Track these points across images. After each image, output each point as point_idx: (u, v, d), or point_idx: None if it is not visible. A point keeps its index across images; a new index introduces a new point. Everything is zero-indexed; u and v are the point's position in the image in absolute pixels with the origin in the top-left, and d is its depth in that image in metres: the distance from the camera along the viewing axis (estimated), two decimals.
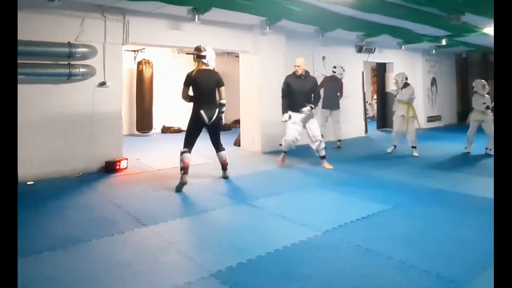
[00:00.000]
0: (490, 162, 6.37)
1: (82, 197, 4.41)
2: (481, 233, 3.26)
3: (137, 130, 9.95)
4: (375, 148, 7.98)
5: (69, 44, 5.35)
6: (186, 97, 4.90)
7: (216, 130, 5.05)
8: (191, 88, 4.87)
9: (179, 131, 10.07)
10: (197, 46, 4.95)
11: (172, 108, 10.10)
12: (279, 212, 3.88)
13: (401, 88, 7.03)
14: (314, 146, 5.85)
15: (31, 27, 5.12)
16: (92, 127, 5.66)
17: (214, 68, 5.12)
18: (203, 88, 4.82)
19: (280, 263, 2.73)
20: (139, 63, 9.96)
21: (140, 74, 9.92)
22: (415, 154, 6.92)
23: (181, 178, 4.68)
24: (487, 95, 7.11)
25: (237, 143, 8.07)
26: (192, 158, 4.90)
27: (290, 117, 5.66)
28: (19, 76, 4.87)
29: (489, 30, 7.74)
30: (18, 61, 4.74)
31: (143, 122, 9.93)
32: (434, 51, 11.00)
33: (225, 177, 5.28)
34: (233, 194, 4.64)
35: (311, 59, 8.49)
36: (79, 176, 5.38)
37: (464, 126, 7.89)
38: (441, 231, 3.36)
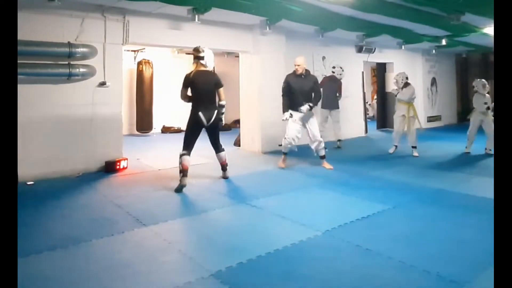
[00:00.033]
0: (490, 162, 6.37)
1: (82, 197, 4.41)
2: (481, 233, 3.26)
3: (137, 130, 9.95)
4: (375, 148, 7.98)
5: (69, 44, 5.35)
6: (185, 97, 4.90)
7: (215, 131, 5.02)
8: (189, 89, 4.87)
9: (179, 131, 10.07)
10: (196, 47, 4.94)
11: (172, 108, 10.10)
12: (279, 212, 3.88)
13: (402, 88, 7.03)
14: (313, 146, 5.84)
15: (31, 27, 5.12)
16: (92, 127, 5.67)
17: (214, 69, 5.11)
18: (201, 89, 4.80)
19: (280, 263, 2.73)
20: (139, 63, 9.97)
21: (140, 74, 9.93)
22: (415, 154, 6.92)
23: (180, 180, 4.66)
24: (487, 95, 7.11)
25: (237, 143, 8.07)
26: (192, 158, 4.89)
27: (291, 115, 5.65)
28: (19, 76, 4.87)
29: (489, 30, 7.74)
30: (18, 61, 4.74)
31: (143, 122, 9.93)
32: (434, 51, 11.00)
33: (225, 177, 5.28)
34: (233, 194, 4.64)
35: (311, 59, 8.49)
36: (79, 176, 5.38)
37: (464, 126, 7.89)
38: (441, 231, 3.36)
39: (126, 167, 5.81)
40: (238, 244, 3.09)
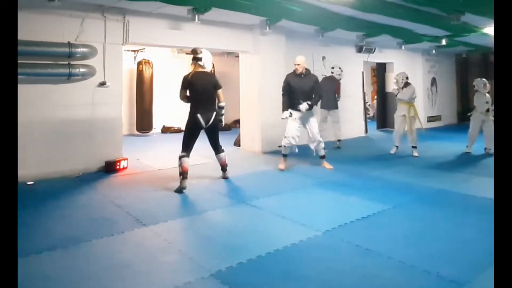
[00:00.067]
0: (490, 162, 6.36)
1: (82, 197, 4.41)
2: (481, 233, 3.26)
3: (137, 130, 9.95)
4: (375, 148, 7.98)
5: (69, 44, 5.35)
6: (184, 98, 4.88)
7: (214, 133, 4.99)
8: (188, 90, 4.85)
9: (179, 131, 10.05)
10: (193, 49, 4.93)
11: (172, 108, 10.09)
12: (279, 212, 3.88)
13: (402, 88, 7.03)
14: (313, 146, 5.84)
15: (31, 27, 5.12)
16: (92, 127, 5.67)
17: (213, 70, 5.11)
18: (199, 91, 4.78)
19: (280, 263, 2.73)
20: (139, 63, 9.96)
21: (140, 74, 9.92)
22: (415, 154, 6.92)
23: (181, 183, 4.64)
24: (487, 94, 7.11)
25: (237, 143, 8.07)
26: (192, 158, 4.89)
27: (290, 114, 5.65)
28: (19, 76, 4.87)
29: (489, 30, 7.74)
30: (18, 61, 4.73)
31: (143, 122, 9.93)
32: (434, 51, 11.00)
33: (225, 177, 5.28)
34: (233, 194, 4.64)
35: (311, 59, 8.48)
36: (79, 176, 5.38)
37: (464, 126, 7.89)
38: (441, 231, 3.36)
39: (126, 167, 5.81)
40: (238, 244, 3.09)
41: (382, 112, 11.45)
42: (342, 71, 7.96)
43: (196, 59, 4.87)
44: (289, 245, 3.04)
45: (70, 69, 5.34)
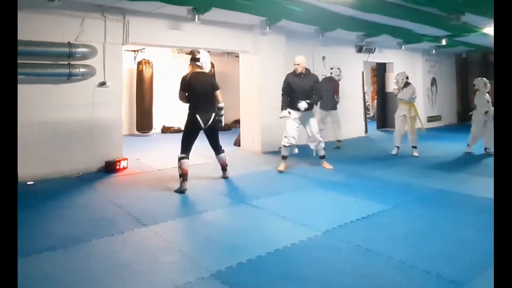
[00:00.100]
0: (490, 162, 6.36)
1: (82, 197, 4.41)
2: (481, 233, 3.26)
3: (137, 130, 9.95)
4: (375, 148, 7.98)
5: (69, 44, 5.35)
6: (183, 99, 4.88)
7: (213, 133, 4.98)
8: (187, 91, 4.85)
9: (179, 131, 10.03)
10: (191, 51, 4.94)
11: (172, 108, 10.08)
12: (279, 212, 3.88)
13: (402, 88, 7.02)
14: (313, 146, 5.84)
15: (31, 27, 5.12)
16: (92, 127, 5.67)
17: (213, 70, 5.11)
18: (198, 91, 4.76)
19: (280, 263, 2.73)
20: (139, 63, 9.97)
21: (140, 74, 9.93)
22: (415, 154, 6.92)
23: (181, 185, 4.62)
24: (487, 94, 7.10)
25: (237, 143, 8.07)
26: (192, 158, 4.89)
27: (289, 113, 5.64)
28: (19, 76, 4.87)
29: (489, 30, 7.74)
30: (18, 61, 4.74)
31: (143, 122, 9.93)
32: (434, 51, 11.00)
33: (224, 177, 5.28)
34: (233, 194, 4.64)
35: (311, 59, 8.48)
36: (79, 176, 5.38)
37: (464, 126, 7.89)
38: (441, 231, 3.36)
39: (126, 167, 5.81)
40: (238, 244, 3.09)
41: (382, 112, 11.45)
42: (340, 71, 7.96)
43: (194, 60, 4.87)
44: (289, 245, 3.04)
45: (70, 69, 5.34)
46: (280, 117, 5.72)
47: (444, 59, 12.57)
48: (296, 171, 5.78)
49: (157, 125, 10.33)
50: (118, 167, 5.68)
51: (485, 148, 7.13)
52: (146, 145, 8.34)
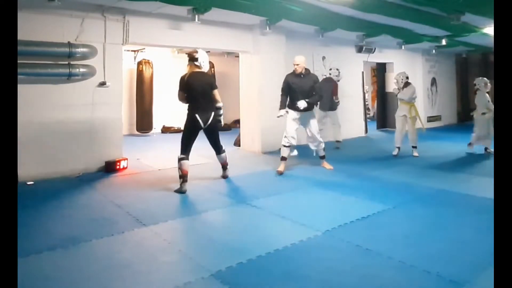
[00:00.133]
0: (490, 162, 6.37)
1: (82, 197, 4.41)
2: (481, 233, 3.26)
3: (137, 130, 9.95)
4: (375, 148, 7.98)
5: (69, 44, 5.35)
6: (182, 99, 4.87)
7: (213, 133, 4.98)
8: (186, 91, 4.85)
9: (179, 131, 10.01)
10: (189, 51, 4.95)
11: (172, 108, 10.06)
12: (279, 212, 3.88)
13: (402, 88, 7.01)
14: (313, 147, 5.84)
15: (31, 27, 5.12)
16: (92, 127, 5.67)
17: (213, 70, 5.11)
18: (197, 91, 4.76)
19: (280, 263, 2.73)
20: (139, 63, 9.97)
21: (140, 74, 9.93)
22: (415, 154, 6.91)
23: (181, 186, 4.62)
24: (487, 94, 7.10)
25: (237, 143, 8.07)
26: (192, 158, 4.89)
27: (287, 112, 5.63)
28: (19, 76, 4.87)
29: (489, 30, 7.74)
30: (18, 61, 4.74)
31: (143, 122, 9.93)
32: (434, 51, 11.00)
33: (224, 176, 5.28)
34: (233, 194, 4.64)
35: (311, 59, 8.48)
36: (79, 176, 5.38)
37: (464, 126, 7.89)
38: (441, 231, 3.36)
39: (126, 167, 5.81)
40: (238, 244, 3.09)
41: (382, 112, 11.45)
42: (339, 72, 7.96)
43: (192, 60, 4.87)
44: (289, 245, 3.04)
45: (70, 69, 5.34)
46: (277, 117, 5.71)
47: (444, 59, 12.57)
48: (296, 171, 5.78)
49: (157, 125, 10.33)
50: (118, 167, 5.68)
51: (485, 148, 7.13)
52: (146, 145, 8.34)
